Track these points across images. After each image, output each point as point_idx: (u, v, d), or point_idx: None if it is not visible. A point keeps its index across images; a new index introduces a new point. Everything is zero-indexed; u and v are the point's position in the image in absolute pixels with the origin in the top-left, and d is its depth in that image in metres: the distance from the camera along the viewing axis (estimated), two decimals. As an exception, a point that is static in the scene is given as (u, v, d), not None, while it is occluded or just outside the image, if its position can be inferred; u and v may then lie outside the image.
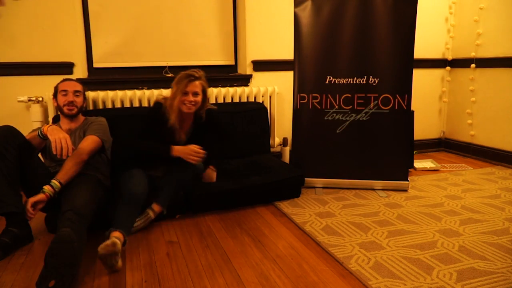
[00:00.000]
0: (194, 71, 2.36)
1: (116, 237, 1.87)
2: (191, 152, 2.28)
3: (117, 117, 2.71)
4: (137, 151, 2.40)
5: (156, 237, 2.19)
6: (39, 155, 2.30)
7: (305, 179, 2.88)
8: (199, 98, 2.35)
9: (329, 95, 2.91)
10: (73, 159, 2.12)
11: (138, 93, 3.01)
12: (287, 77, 3.46)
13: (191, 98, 2.32)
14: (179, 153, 2.29)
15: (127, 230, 2.01)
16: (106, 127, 2.45)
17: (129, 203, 2.10)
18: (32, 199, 1.97)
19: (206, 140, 2.46)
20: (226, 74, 3.47)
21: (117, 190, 2.26)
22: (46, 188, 2.02)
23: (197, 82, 2.33)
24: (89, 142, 2.25)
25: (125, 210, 2.08)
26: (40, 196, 1.99)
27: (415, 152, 3.80)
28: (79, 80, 2.56)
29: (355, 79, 2.88)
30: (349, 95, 2.89)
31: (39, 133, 2.12)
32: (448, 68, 4.09)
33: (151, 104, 2.72)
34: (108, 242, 1.78)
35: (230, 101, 3.29)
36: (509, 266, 1.80)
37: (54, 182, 2.04)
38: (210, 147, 2.43)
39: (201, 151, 2.29)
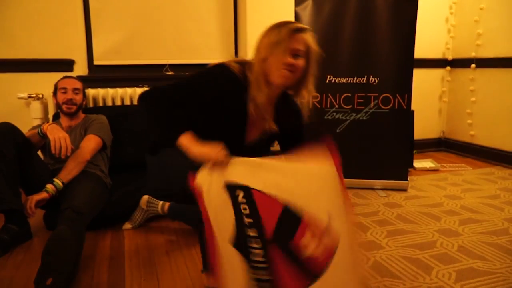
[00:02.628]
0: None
1: None
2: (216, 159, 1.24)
3: (117, 115, 2.70)
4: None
5: (155, 235, 2.18)
6: (39, 152, 2.30)
7: (305, 178, 2.87)
8: (301, 62, 1.42)
9: (329, 95, 2.91)
10: (75, 159, 2.14)
11: (138, 91, 3.00)
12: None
13: (291, 60, 1.37)
14: (198, 156, 1.27)
15: (205, 265, 1.58)
16: (106, 125, 2.45)
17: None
18: (36, 198, 1.98)
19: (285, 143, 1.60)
20: (226, 73, 3.46)
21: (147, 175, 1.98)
22: (49, 187, 2.02)
23: (305, 35, 1.42)
24: (91, 142, 2.26)
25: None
26: (43, 195, 2.00)
27: (415, 152, 3.80)
28: (79, 78, 2.56)
29: (355, 78, 2.88)
30: (349, 95, 2.89)
31: (39, 131, 2.12)
32: (448, 68, 4.09)
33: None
34: None
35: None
36: (508, 266, 1.80)
37: (57, 181, 2.05)
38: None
39: None
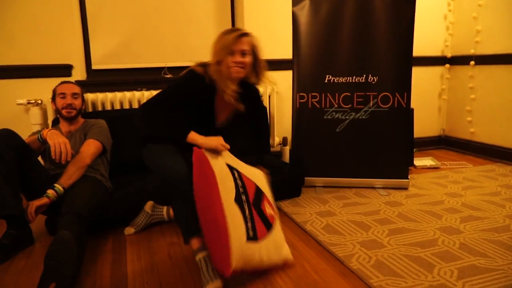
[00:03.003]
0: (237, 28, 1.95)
1: (199, 250, 1.70)
2: (220, 147, 1.73)
3: (116, 118, 2.71)
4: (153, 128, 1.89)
5: (157, 238, 2.18)
6: (39, 157, 2.30)
7: (305, 178, 2.88)
8: (247, 59, 1.87)
9: (328, 94, 2.91)
10: (75, 164, 2.15)
11: (137, 94, 3.00)
12: (286, 76, 3.45)
13: (239, 58, 1.84)
14: (206, 145, 1.72)
15: (197, 227, 1.72)
16: (106, 129, 2.46)
17: (177, 193, 1.73)
18: (37, 203, 1.98)
19: (253, 122, 2.09)
20: (225, 74, 3.46)
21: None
22: (50, 192, 2.03)
23: (246, 38, 1.86)
24: (91, 146, 2.27)
25: (182, 212, 1.75)
26: (44, 201, 2.00)
27: (415, 150, 3.80)
28: (77, 82, 2.57)
29: (354, 77, 2.88)
30: (349, 94, 2.89)
31: (39, 137, 2.12)
32: (447, 65, 4.09)
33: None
34: (216, 285, 1.60)
35: (229, 101, 3.29)
36: (510, 263, 1.80)
37: (58, 187, 2.05)
38: (259, 133, 2.11)
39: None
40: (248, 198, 1.66)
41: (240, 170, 1.75)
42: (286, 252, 1.73)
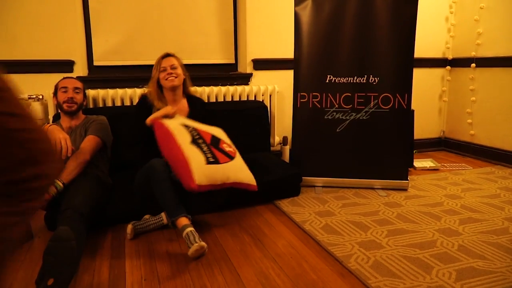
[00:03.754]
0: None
1: (186, 226, 1.95)
2: (169, 110, 2.21)
3: (117, 115, 2.71)
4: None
5: (156, 235, 2.19)
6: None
7: (305, 178, 2.88)
8: (178, 70, 2.35)
9: (329, 94, 2.91)
10: (76, 160, 2.15)
11: (138, 91, 3.00)
12: (287, 75, 3.46)
13: (170, 70, 2.32)
14: (159, 113, 2.19)
15: (182, 209, 2.03)
16: (107, 126, 2.46)
17: (158, 180, 2.06)
18: None
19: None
20: (226, 73, 3.47)
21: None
22: (50, 188, 2.02)
23: (171, 57, 2.37)
24: (91, 142, 2.28)
25: (162, 191, 2.05)
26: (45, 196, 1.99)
27: (415, 152, 3.80)
28: (79, 78, 2.56)
29: (355, 78, 2.88)
30: (349, 94, 2.89)
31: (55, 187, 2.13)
32: (448, 67, 4.09)
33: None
34: (196, 247, 1.86)
35: (230, 99, 3.29)
36: (508, 266, 1.81)
37: (58, 182, 2.05)
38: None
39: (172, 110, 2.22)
40: (205, 141, 2.14)
41: (195, 126, 2.22)
42: (250, 177, 2.18)
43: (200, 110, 2.48)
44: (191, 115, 2.39)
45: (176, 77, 2.34)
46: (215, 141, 2.20)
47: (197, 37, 3.41)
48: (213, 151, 2.09)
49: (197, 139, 2.11)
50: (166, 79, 2.32)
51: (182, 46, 3.37)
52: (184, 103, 2.45)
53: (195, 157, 1.98)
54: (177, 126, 2.13)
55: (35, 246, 2.06)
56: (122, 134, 2.64)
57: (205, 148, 2.07)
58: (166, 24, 3.30)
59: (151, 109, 2.32)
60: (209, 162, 2.00)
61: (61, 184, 2.05)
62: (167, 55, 2.38)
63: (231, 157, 2.14)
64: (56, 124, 2.26)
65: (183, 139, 2.05)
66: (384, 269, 1.79)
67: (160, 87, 2.38)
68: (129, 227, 2.18)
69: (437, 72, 4.12)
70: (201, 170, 1.94)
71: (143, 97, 2.39)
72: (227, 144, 2.26)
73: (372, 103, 2.88)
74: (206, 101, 3.20)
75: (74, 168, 2.13)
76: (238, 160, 2.19)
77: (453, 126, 4.16)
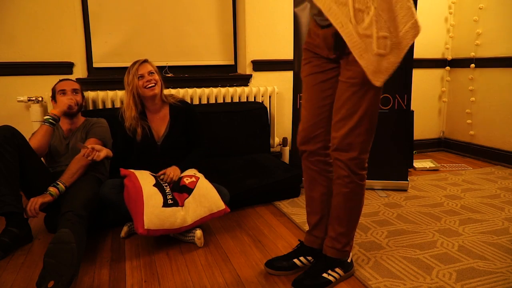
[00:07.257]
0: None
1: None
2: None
3: (116, 117, 2.69)
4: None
5: (155, 237, 2.19)
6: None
7: (305, 179, 2.88)
8: (156, 76, 2.24)
9: (328, 95, 2.91)
10: (78, 162, 2.16)
11: (137, 93, 3.00)
12: (287, 77, 3.46)
13: (148, 77, 2.21)
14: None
15: None
16: (107, 128, 2.47)
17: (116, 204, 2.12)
18: (41, 200, 1.98)
19: (188, 133, 2.38)
20: (226, 74, 3.47)
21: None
22: (53, 190, 2.04)
23: (146, 64, 2.25)
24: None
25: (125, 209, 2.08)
26: (47, 198, 2.01)
27: (415, 152, 3.80)
28: (78, 80, 2.57)
29: (354, 79, 2.88)
30: (349, 95, 2.89)
31: (50, 119, 2.15)
32: (447, 68, 4.09)
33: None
34: (198, 236, 2.07)
35: (229, 101, 3.29)
36: (508, 266, 1.81)
37: (60, 184, 2.06)
38: (195, 140, 2.39)
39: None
40: (169, 184, 2.13)
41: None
42: (215, 202, 2.10)
43: (182, 120, 2.36)
44: (171, 125, 2.32)
45: (155, 84, 2.22)
46: (177, 182, 2.17)
47: (197, 39, 3.41)
48: (173, 194, 2.05)
49: (162, 183, 2.09)
50: (146, 87, 2.20)
51: (181, 47, 3.37)
52: (165, 112, 2.34)
53: (152, 198, 1.94)
54: (142, 172, 2.12)
55: (35, 248, 2.06)
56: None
57: (167, 190, 2.04)
58: (166, 26, 3.30)
59: (124, 128, 2.27)
60: (167, 205, 1.95)
61: (63, 186, 2.05)
62: (144, 61, 2.26)
63: (190, 190, 2.07)
64: (55, 126, 2.26)
65: (146, 182, 2.02)
66: (384, 270, 1.79)
67: (138, 96, 2.25)
68: (125, 229, 2.19)
69: (437, 72, 4.12)
70: (154, 214, 1.90)
71: (117, 113, 2.33)
72: (188, 175, 2.18)
73: (371, 104, 2.87)
74: (206, 102, 3.20)
75: (76, 171, 2.13)
76: (199, 189, 2.09)
77: (452, 126, 4.16)
